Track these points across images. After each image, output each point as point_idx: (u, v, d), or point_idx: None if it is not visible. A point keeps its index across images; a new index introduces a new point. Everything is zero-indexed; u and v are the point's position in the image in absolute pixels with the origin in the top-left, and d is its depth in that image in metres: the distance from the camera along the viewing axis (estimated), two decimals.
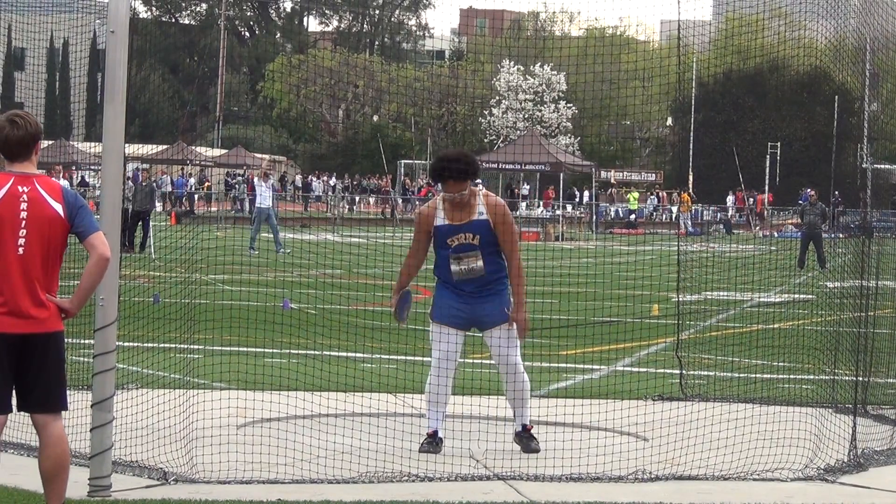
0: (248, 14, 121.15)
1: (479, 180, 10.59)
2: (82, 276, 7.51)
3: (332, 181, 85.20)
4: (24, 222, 7.39)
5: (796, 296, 25.17)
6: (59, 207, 7.47)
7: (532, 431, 10.49)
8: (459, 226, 10.22)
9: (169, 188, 68.01)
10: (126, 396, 10.10)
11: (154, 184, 41.27)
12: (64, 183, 36.52)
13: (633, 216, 73.51)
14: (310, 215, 64.59)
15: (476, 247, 10.22)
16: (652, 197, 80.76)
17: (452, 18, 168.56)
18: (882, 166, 14.60)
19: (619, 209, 76.53)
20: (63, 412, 7.56)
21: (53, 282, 7.52)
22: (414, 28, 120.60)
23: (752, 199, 76.01)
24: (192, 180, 71.72)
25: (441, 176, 10.28)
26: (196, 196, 69.40)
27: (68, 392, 7.61)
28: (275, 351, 15.53)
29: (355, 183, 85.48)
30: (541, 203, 70.94)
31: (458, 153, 10.49)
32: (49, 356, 7.44)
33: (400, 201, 72.94)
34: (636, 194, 77.18)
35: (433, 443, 10.32)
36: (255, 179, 40.31)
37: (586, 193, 75.85)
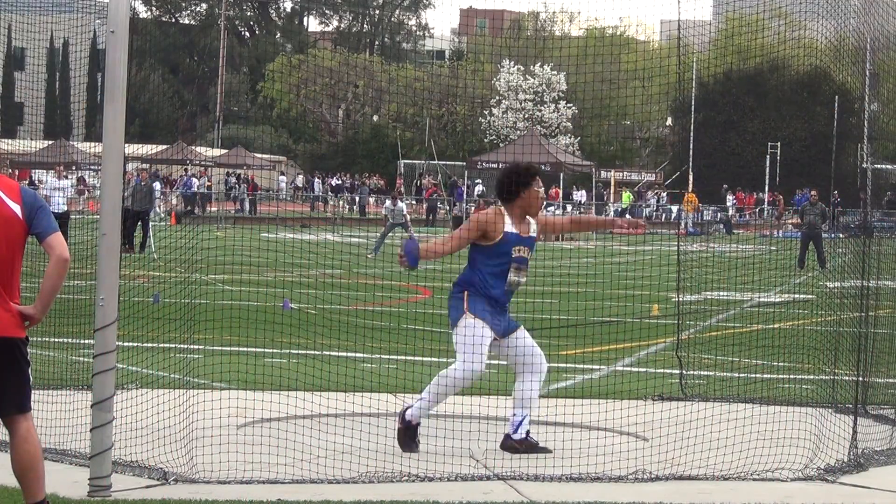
0: (248, 14, 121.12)
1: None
2: (43, 279, 7.31)
3: (334, 181, 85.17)
4: None
5: (796, 296, 25.18)
6: (16, 208, 7.29)
7: (530, 437, 10.41)
8: (524, 238, 10.40)
9: (193, 189, 67.95)
10: (126, 396, 10.08)
11: (151, 184, 41.33)
12: (65, 183, 36.56)
13: (626, 215, 73.43)
14: (310, 215, 64.52)
15: (527, 260, 10.45)
16: (653, 198, 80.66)
17: (452, 18, 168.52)
18: (882, 166, 14.59)
19: (616, 210, 76.47)
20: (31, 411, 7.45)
21: (14, 284, 7.34)
22: (414, 28, 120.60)
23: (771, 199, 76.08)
24: (196, 181, 71.59)
25: (528, 177, 10.52)
26: (199, 195, 69.28)
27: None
28: (275, 351, 15.52)
29: (358, 183, 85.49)
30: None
31: (527, 164, 10.97)
32: (17, 358, 7.29)
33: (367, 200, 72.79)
34: (629, 194, 77.10)
35: (414, 438, 10.27)
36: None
37: (584, 193, 75.83)
